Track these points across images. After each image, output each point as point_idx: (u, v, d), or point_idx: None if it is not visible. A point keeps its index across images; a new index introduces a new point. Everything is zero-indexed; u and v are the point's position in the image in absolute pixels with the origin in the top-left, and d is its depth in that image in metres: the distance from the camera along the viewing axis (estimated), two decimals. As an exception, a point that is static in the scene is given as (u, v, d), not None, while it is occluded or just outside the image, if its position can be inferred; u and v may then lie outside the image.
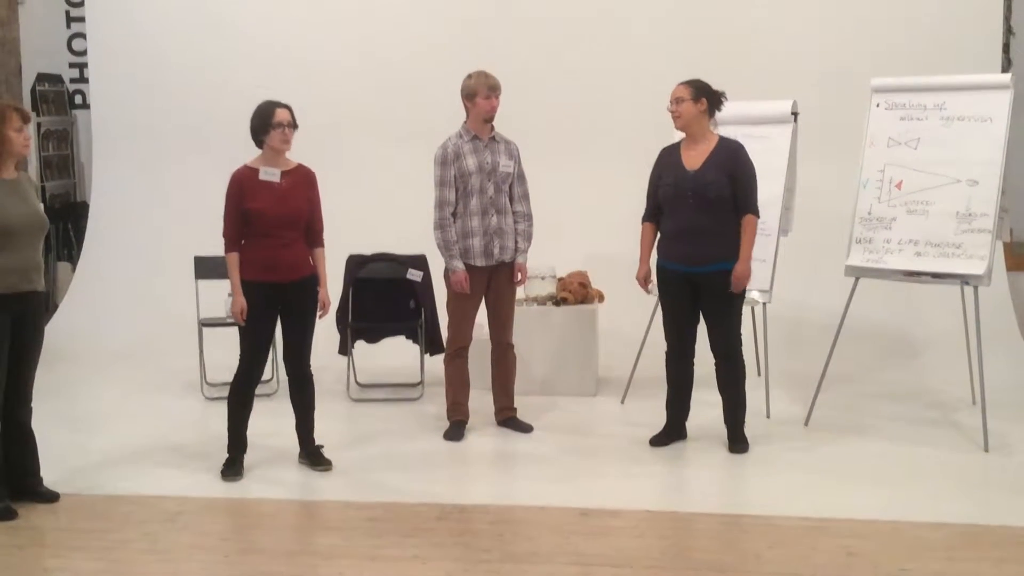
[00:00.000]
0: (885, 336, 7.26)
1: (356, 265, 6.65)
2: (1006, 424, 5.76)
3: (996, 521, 4.52)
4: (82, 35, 9.07)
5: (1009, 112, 5.63)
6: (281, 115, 5.01)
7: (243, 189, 5.02)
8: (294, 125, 5.05)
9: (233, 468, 5.17)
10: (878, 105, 6.02)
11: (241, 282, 5.04)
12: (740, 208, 5.31)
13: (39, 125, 9.03)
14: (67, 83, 9.44)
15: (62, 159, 9.46)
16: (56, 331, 7.96)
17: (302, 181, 5.14)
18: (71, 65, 9.41)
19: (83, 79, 9.26)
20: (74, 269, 8.84)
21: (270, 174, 5.04)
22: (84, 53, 9.03)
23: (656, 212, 5.47)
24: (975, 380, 6.16)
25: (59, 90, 9.38)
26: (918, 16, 7.58)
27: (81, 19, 9.03)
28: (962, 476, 5.12)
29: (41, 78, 9.21)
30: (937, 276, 5.70)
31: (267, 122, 5.00)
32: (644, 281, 5.57)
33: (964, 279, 5.63)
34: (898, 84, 6.00)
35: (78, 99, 9.45)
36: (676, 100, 5.35)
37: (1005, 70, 7.65)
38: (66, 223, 9.27)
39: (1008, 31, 7.94)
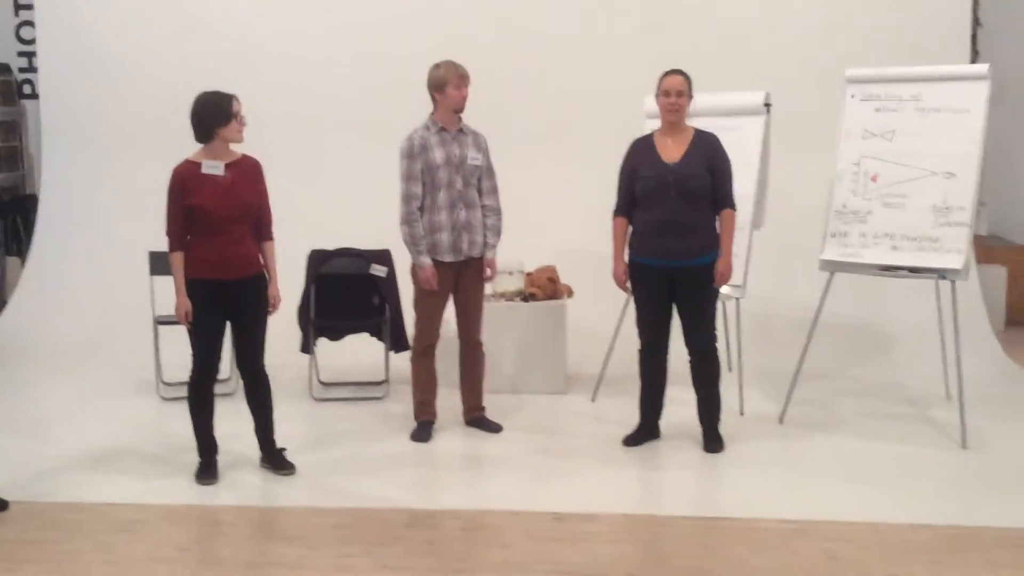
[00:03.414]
0: (857, 331, 7.16)
1: (318, 260, 6.44)
2: (980, 420, 5.70)
3: (981, 522, 4.42)
4: (31, 23, 8.77)
5: (986, 103, 5.53)
6: (237, 105, 4.80)
7: (185, 185, 4.76)
8: None
9: (207, 471, 4.98)
10: (853, 96, 5.89)
11: (187, 281, 4.82)
12: (719, 202, 5.18)
13: (-14, 116, 8.75)
14: (15, 73, 9.14)
15: (11, 151, 9.17)
16: (5, 329, 7.73)
17: (248, 172, 4.90)
18: (19, 54, 9.12)
19: (32, 68, 8.97)
20: (23, 264, 8.54)
21: (213, 167, 4.79)
22: (33, 42, 8.73)
23: (629, 206, 5.30)
24: (949, 375, 6.10)
25: (7, 80, 9.08)
26: (888, 6, 7.50)
27: (29, 7, 8.74)
28: (942, 475, 5.03)
29: (-12, 68, 8.93)
30: (914, 271, 5.59)
31: (227, 112, 4.77)
32: (622, 279, 5.36)
33: (941, 273, 5.53)
34: (873, 75, 5.87)
35: (27, 89, 9.15)
36: (677, 93, 5.15)
37: (972, 62, 7.60)
38: (15, 217, 8.98)
39: (976, 22, 7.89)
